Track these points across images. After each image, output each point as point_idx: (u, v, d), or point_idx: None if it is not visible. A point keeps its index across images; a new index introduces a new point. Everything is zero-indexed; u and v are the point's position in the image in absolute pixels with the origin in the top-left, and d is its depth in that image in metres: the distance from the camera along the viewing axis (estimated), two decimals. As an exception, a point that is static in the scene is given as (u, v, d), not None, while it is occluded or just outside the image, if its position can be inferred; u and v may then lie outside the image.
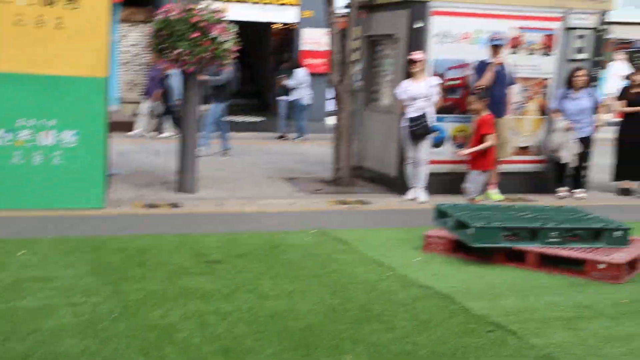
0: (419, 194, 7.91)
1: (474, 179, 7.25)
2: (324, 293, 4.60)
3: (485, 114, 7.25)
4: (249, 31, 14.74)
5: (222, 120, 11.01)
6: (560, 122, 8.15)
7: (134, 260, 5.16)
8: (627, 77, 18.65)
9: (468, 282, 4.98)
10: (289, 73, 13.29)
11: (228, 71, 10.48)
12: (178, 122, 10.06)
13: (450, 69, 8.22)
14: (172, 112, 12.03)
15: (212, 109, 10.86)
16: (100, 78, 6.60)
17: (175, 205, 7.13)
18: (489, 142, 7.12)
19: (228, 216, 6.85)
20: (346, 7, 8.75)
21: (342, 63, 8.54)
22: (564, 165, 8.35)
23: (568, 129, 8.10)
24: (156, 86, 12.36)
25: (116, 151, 9.37)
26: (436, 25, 8.08)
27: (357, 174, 8.94)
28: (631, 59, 19.82)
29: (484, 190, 7.57)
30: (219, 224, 6.46)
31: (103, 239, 5.69)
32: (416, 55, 7.80)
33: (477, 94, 7.37)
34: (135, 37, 15.87)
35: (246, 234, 6.08)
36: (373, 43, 9.02)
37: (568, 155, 8.14)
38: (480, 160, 7.20)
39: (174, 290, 4.49)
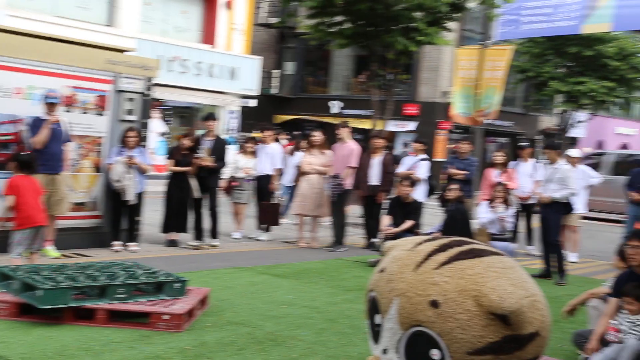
0: (-31, 255, 7.41)
1: (14, 238, 7.08)
2: None
3: (17, 175, 7.06)
4: None
5: None
6: (120, 158, 8.57)
7: None
8: (163, 134, 20.26)
9: (39, 345, 4.96)
10: None
11: None
12: None
13: (2, 123, 7.98)
14: None
15: None
16: None
17: None
18: (7, 203, 6.98)
19: None
20: None
21: None
22: (119, 220, 8.80)
23: (130, 164, 8.57)
24: None
25: None
26: (-14, 77, 7.78)
27: None
28: (164, 117, 21.60)
29: (34, 248, 7.30)
30: None
31: None
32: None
33: (10, 155, 7.27)
34: None
35: None
36: None
37: (130, 191, 8.60)
38: (16, 219, 7.04)
39: None
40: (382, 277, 2.00)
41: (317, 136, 10.64)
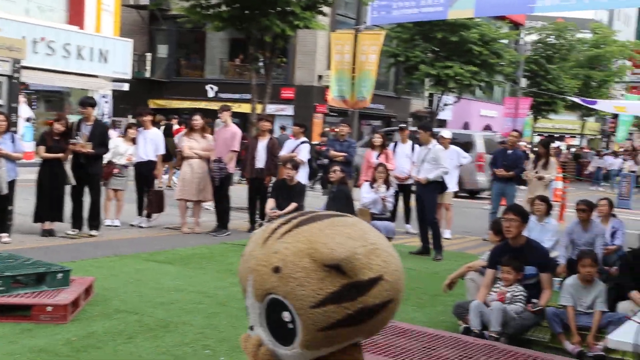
0: None
1: None
2: None
3: None
4: None
5: None
6: None
7: None
8: (28, 119, 19.21)
9: None
10: None
11: None
12: None
13: None
14: None
15: None
16: None
17: None
18: None
19: None
20: None
21: None
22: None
23: None
24: None
25: None
26: None
27: None
28: (29, 101, 20.49)
29: None
30: None
31: None
32: None
33: None
34: None
35: None
36: None
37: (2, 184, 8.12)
38: None
39: None
40: (241, 261, 2.09)
41: (198, 120, 10.49)
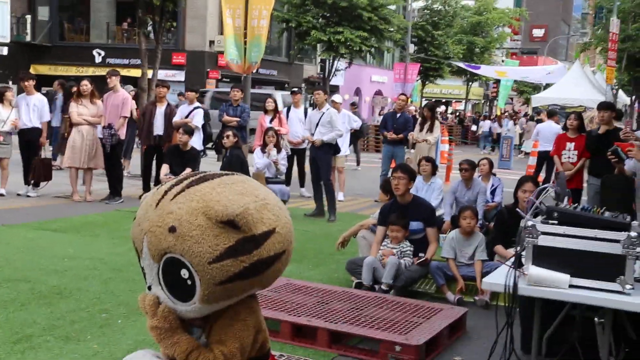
0: None
1: None
2: None
3: None
4: None
5: None
6: None
7: None
8: None
9: None
10: None
11: None
12: None
13: None
14: None
15: None
16: None
17: None
18: None
19: None
20: None
21: None
22: None
23: None
24: None
25: None
26: None
27: None
28: None
29: None
30: None
31: None
32: None
33: None
34: None
35: None
36: None
37: None
38: None
39: None
40: (134, 224, 2.21)
41: (87, 85, 10.21)
